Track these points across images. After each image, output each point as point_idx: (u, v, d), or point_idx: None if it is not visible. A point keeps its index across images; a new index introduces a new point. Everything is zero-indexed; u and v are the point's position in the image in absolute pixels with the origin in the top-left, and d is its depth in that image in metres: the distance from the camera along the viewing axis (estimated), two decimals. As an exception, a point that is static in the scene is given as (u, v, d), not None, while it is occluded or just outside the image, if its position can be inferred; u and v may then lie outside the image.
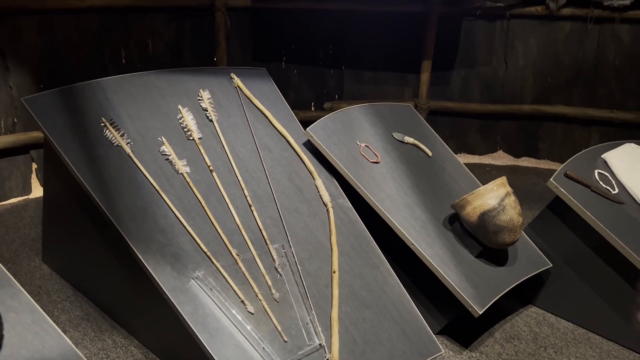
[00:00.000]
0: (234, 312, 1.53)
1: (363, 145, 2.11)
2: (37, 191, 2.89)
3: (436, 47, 3.36)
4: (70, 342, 1.26)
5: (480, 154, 3.70)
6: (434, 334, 1.78)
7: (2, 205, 2.76)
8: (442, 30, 3.35)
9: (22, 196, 2.85)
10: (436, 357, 1.70)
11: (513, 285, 1.93)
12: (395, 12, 3.34)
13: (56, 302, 2.03)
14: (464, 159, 3.62)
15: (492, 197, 1.86)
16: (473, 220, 1.88)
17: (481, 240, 1.92)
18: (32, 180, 2.90)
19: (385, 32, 3.39)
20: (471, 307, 1.78)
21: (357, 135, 2.14)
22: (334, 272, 1.72)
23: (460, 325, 1.98)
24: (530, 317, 2.13)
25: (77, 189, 1.71)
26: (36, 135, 2.75)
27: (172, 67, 2.26)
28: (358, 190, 1.96)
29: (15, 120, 2.74)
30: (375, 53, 3.44)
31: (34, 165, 2.89)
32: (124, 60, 2.96)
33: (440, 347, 1.74)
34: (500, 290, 1.88)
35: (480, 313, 1.77)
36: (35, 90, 2.69)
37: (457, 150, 3.66)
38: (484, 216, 1.85)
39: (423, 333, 1.74)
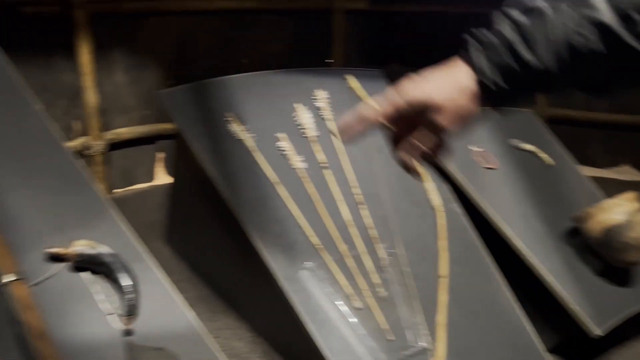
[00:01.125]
0: (341, 305, 1.56)
1: (478, 150, 2.05)
2: (160, 179, 3.14)
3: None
4: (194, 318, 1.36)
5: (603, 167, 3.44)
6: (545, 351, 1.69)
7: (130, 190, 3.04)
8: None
9: (147, 182, 3.11)
10: (546, 375, 1.62)
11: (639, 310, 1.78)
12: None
13: (176, 282, 2.17)
14: (584, 171, 3.39)
15: (620, 212, 1.73)
16: (596, 235, 1.76)
17: (604, 257, 1.80)
18: (157, 169, 3.16)
19: (504, 35, 3.27)
20: (589, 327, 1.66)
21: (471, 139, 2.09)
22: (442, 277, 1.70)
23: (574, 347, 1.86)
24: (656, 346, 1.95)
25: (202, 177, 1.84)
26: (163, 127, 2.99)
27: (289, 68, 2.37)
28: (470, 195, 1.91)
29: (148, 112, 2.99)
30: (492, 57, 3.33)
31: (160, 155, 3.14)
32: (244, 60, 3.12)
33: (552, 365, 1.65)
34: (624, 312, 1.74)
35: (600, 335, 1.66)
36: (166, 86, 2.92)
37: (577, 162, 3.43)
38: (610, 232, 1.72)
39: (532, 349, 1.66)
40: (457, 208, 1.93)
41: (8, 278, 1.18)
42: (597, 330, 1.66)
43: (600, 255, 1.80)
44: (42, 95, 2.43)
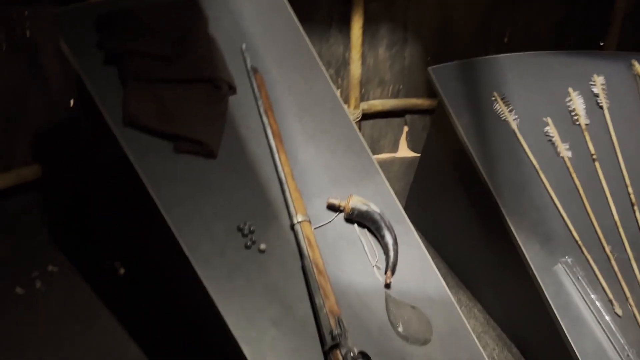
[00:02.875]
0: (599, 307, 1.46)
1: None
2: (402, 151, 3.27)
3: None
4: (444, 284, 1.43)
5: None
6: None
7: (375, 158, 3.24)
8: None
9: (391, 153, 3.28)
10: None
11: None
12: None
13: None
14: None
15: None
16: None
17: None
18: (401, 141, 3.30)
19: None
20: None
21: None
22: None
23: None
24: None
25: (459, 153, 1.87)
26: (414, 102, 3.09)
27: (554, 49, 2.22)
28: None
29: (401, 87, 3.13)
30: None
31: (405, 128, 3.26)
32: (505, 39, 3.02)
33: None
34: None
35: None
36: (422, 62, 3.00)
37: None
38: None
39: None
40: None
41: (300, 218, 1.39)
42: None
43: None
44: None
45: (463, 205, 2.00)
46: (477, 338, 1.78)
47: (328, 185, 1.56)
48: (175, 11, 1.76)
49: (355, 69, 2.90)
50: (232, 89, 1.65)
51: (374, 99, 3.13)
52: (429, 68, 2.02)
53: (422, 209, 2.43)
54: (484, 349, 1.70)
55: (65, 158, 2.35)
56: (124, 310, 1.86)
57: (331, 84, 1.80)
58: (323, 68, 1.83)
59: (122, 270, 2.11)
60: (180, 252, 1.31)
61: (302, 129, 1.67)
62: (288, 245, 1.38)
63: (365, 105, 3.07)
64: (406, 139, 3.28)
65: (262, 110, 1.62)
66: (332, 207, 1.50)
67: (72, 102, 2.38)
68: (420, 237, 2.36)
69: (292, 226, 1.40)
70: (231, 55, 1.73)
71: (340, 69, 2.97)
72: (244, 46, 1.76)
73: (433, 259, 2.21)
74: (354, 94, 2.96)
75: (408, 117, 3.23)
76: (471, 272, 2.04)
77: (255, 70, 1.72)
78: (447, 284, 2.09)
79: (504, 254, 1.69)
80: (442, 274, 2.13)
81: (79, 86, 1.85)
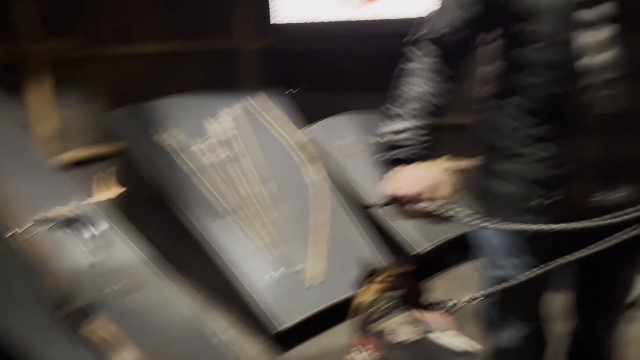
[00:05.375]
0: (246, 243, 2.34)
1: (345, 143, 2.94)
2: (99, 195, 3.74)
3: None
4: (142, 255, 2.07)
5: None
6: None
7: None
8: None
9: (87, 199, 3.70)
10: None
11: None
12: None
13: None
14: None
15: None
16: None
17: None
18: (95, 186, 3.76)
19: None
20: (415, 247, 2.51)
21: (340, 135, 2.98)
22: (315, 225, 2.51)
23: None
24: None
25: (145, 177, 2.54)
26: (104, 149, 3.62)
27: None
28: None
29: (90, 138, 3.61)
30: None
31: (100, 174, 3.74)
32: (167, 90, 3.82)
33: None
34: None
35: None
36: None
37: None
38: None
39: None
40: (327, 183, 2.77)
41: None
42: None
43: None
44: None
45: (157, 214, 2.66)
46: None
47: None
48: None
49: (48, 127, 3.28)
50: None
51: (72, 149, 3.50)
52: (104, 114, 2.65)
53: (134, 227, 2.99)
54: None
55: None
56: None
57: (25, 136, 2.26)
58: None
59: None
60: None
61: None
62: None
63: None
64: (102, 183, 3.75)
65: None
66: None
67: None
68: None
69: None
70: None
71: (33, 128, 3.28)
72: None
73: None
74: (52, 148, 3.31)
75: (102, 163, 3.72)
76: (175, 260, 2.71)
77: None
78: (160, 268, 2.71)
79: (189, 237, 2.43)
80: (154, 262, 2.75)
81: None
